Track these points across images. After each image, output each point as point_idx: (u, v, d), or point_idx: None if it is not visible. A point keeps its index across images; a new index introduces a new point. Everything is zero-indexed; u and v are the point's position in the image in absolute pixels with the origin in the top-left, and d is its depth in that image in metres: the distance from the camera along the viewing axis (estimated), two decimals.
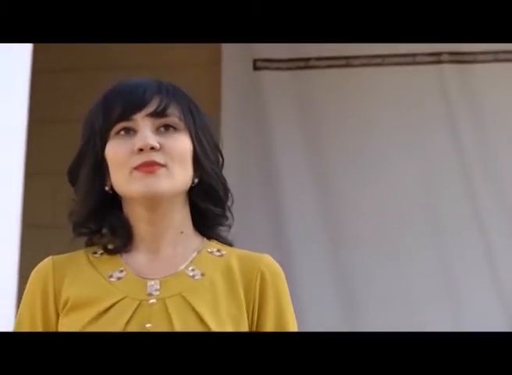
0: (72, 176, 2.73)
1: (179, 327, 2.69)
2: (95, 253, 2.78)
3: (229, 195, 2.78)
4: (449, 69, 5.99)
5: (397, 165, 5.99)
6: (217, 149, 2.78)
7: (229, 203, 2.77)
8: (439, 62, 5.97)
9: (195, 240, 2.76)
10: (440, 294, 5.96)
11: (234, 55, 6.24)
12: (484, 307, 5.85)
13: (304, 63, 6.15)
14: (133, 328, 2.67)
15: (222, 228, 2.79)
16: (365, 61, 6.07)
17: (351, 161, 6.05)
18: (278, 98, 6.24)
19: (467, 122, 5.91)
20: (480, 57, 5.91)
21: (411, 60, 5.96)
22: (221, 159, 2.77)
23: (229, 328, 2.72)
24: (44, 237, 5.94)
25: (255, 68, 6.19)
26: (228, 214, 2.78)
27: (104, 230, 2.76)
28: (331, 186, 6.24)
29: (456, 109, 5.95)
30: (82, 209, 2.71)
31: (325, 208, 6.26)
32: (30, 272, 4.31)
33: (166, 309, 2.69)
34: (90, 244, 2.79)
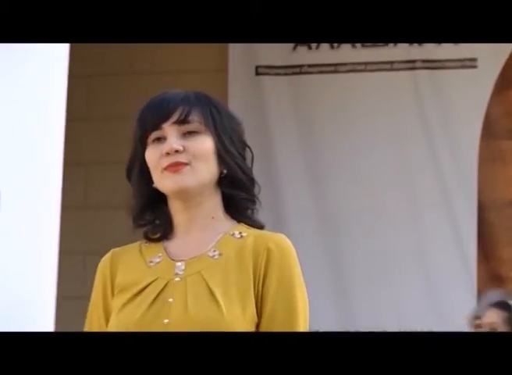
0: (128, 176, 2.88)
1: (191, 300, 2.79)
2: (146, 243, 2.88)
3: (255, 183, 2.85)
4: (421, 74, 6.19)
5: (378, 156, 6.20)
6: (242, 144, 2.86)
7: (255, 190, 2.85)
8: (414, 68, 6.18)
9: (226, 223, 2.85)
10: (414, 263, 6.13)
11: (239, 62, 6.39)
12: (451, 273, 6.05)
13: (299, 69, 6.32)
14: (157, 304, 2.78)
15: (250, 212, 2.86)
16: (350, 67, 6.27)
17: (339, 152, 6.22)
18: (276, 99, 6.36)
19: (436, 119, 6.15)
20: (448, 64, 6.13)
21: (389, 67, 6.18)
22: (249, 153, 2.87)
23: (234, 298, 2.79)
24: (78, 217, 6.08)
25: (257, 73, 6.35)
26: (254, 199, 2.86)
27: (156, 221, 2.89)
28: (322, 174, 6.33)
29: (428, 108, 6.18)
30: (136, 204, 2.85)
31: (317, 195, 6.32)
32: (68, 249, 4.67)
33: (185, 287, 2.80)
34: (146, 234, 2.90)
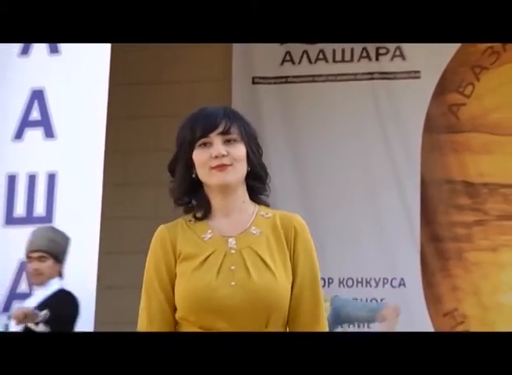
0: (171, 168, 2.83)
1: (251, 268, 2.76)
2: (190, 221, 2.82)
3: (268, 176, 2.87)
4: (378, 83, 6.13)
5: (346, 145, 6.11)
6: (259, 147, 2.86)
7: (267, 181, 2.87)
8: (372, 78, 6.13)
9: (251, 206, 2.84)
10: (372, 226, 6.06)
11: (240, 74, 6.28)
12: (400, 233, 6.01)
13: (285, 79, 6.25)
14: (223, 271, 2.75)
15: (264, 197, 2.86)
16: (324, 78, 6.20)
17: (316, 140, 6.14)
18: (268, 102, 6.25)
19: (389, 117, 6.08)
20: (398, 75, 6.09)
21: (354, 77, 6.13)
22: (261, 152, 2.86)
23: (280, 267, 2.79)
24: (120, 194, 6.02)
25: (253, 82, 6.26)
26: (267, 187, 2.88)
27: (193, 202, 2.83)
28: (303, 158, 6.21)
29: (383, 109, 6.11)
30: (178, 189, 2.80)
31: (298, 174, 6.19)
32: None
33: (242, 257, 2.76)
34: (185, 212, 2.85)
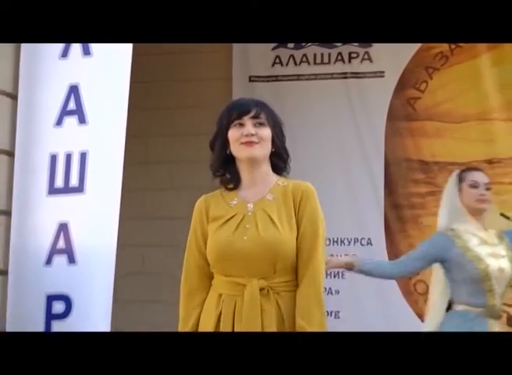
0: (212, 145, 2.89)
1: (260, 225, 2.76)
2: (224, 190, 2.89)
3: (288, 156, 2.88)
4: (351, 81, 6.09)
5: (325, 131, 6.08)
6: (282, 132, 2.89)
7: (288, 160, 2.89)
8: (346, 77, 6.08)
9: (273, 177, 2.86)
10: (345, 195, 6.02)
11: (238, 73, 6.23)
12: (368, 202, 5.97)
13: (275, 78, 6.22)
14: (239, 229, 2.77)
15: (285, 172, 2.89)
16: (307, 77, 6.15)
17: (302, 127, 6.03)
18: (262, 97, 5.67)
19: (359, 108, 6.03)
20: (367, 74, 6.04)
21: (330, 76, 6.10)
22: (285, 137, 2.90)
23: (285, 223, 2.78)
24: (139, 170, 5.98)
25: (250, 81, 6.23)
26: (288, 166, 2.89)
27: (227, 175, 2.89)
28: (291, 139, 6.45)
29: (354, 102, 6.05)
30: (216, 163, 2.87)
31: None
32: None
33: (255, 217, 2.79)
34: (221, 183, 2.91)
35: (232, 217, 2.80)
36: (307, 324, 2.67)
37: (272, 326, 2.65)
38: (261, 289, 2.69)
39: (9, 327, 4.22)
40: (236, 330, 2.67)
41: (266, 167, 2.85)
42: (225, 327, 2.69)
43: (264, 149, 2.81)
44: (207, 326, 2.75)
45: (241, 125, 2.80)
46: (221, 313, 2.72)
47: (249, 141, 2.79)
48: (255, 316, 2.66)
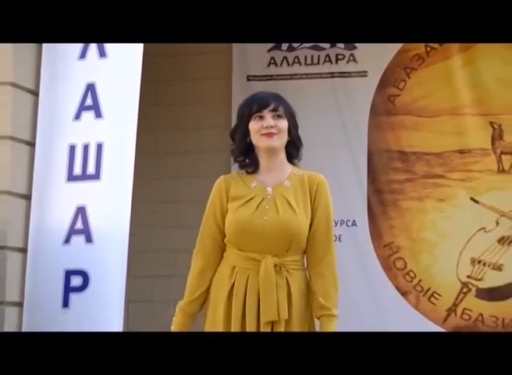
0: (233, 135, 2.87)
1: (280, 208, 2.75)
2: (242, 173, 2.88)
3: (302, 144, 2.90)
4: (337, 80, 6.02)
5: (314, 125, 5.88)
6: (296, 123, 2.90)
7: (301, 149, 2.90)
8: (333, 77, 6.01)
9: (288, 166, 2.86)
10: (332, 181, 5.90)
11: (237, 73, 6.16)
12: (352, 186, 5.91)
13: (271, 77, 6.14)
14: (260, 209, 2.76)
15: (298, 160, 2.91)
16: (299, 76, 6.07)
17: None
18: None
19: (345, 104, 5.96)
20: (352, 74, 5.98)
21: (320, 76, 6.03)
22: (298, 127, 2.90)
23: (302, 209, 2.77)
24: (148, 160, 5.91)
25: (248, 80, 6.14)
26: (300, 154, 2.91)
27: (246, 161, 2.89)
28: None
29: (340, 99, 5.98)
30: (237, 151, 2.86)
31: None
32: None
33: (275, 201, 2.79)
34: (241, 167, 2.91)
35: (252, 198, 2.79)
36: (326, 302, 2.70)
37: (284, 300, 2.65)
38: (275, 265, 2.68)
39: (28, 301, 4.18)
40: (247, 301, 2.66)
41: (282, 155, 2.84)
42: (237, 298, 2.68)
43: (282, 139, 2.81)
44: (220, 294, 2.73)
45: (261, 117, 2.79)
46: (233, 285, 2.70)
47: (269, 133, 2.77)
48: (271, 290, 2.63)
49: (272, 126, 2.78)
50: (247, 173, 2.88)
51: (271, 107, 2.80)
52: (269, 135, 2.78)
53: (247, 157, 2.88)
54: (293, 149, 2.87)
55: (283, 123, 2.82)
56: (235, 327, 2.63)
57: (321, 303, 2.70)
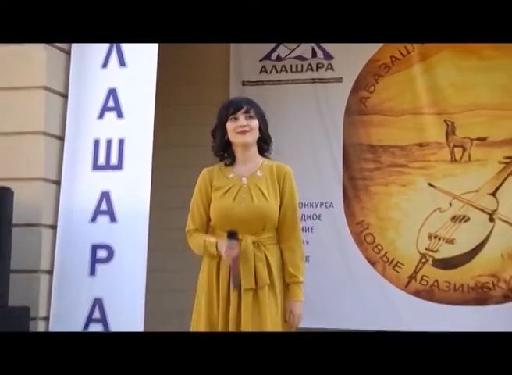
0: (213, 133, 2.83)
1: (254, 197, 2.71)
2: (222, 166, 2.84)
3: (271, 140, 2.84)
4: (318, 85, 5.99)
5: (297, 125, 5.97)
6: (266, 122, 2.85)
7: (271, 144, 2.84)
8: (314, 82, 5.99)
9: (260, 158, 2.83)
10: (312, 173, 5.89)
11: (234, 79, 6.15)
12: (329, 174, 5.89)
13: (262, 83, 6.14)
14: (237, 198, 2.70)
15: (268, 153, 2.86)
16: (285, 82, 6.06)
17: (281, 120, 5.89)
18: (251, 97, 5.77)
19: (325, 105, 5.92)
20: (330, 80, 5.96)
21: (303, 82, 6.00)
22: (268, 126, 2.85)
23: (272, 196, 2.72)
24: (163, 153, 6.06)
25: (243, 84, 6.14)
26: (270, 148, 2.85)
27: (225, 155, 2.85)
28: (273, 130, 5.75)
29: (321, 101, 5.96)
30: (217, 147, 2.81)
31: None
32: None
33: (250, 190, 2.75)
34: (220, 160, 2.86)
35: (231, 188, 2.76)
36: (295, 272, 2.70)
37: (264, 270, 2.65)
38: (253, 242, 2.68)
39: (57, 269, 4.18)
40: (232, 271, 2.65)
41: (254, 149, 2.82)
42: (223, 269, 2.67)
43: (253, 136, 2.79)
44: (210, 268, 2.71)
45: (236, 119, 2.77)
46: (220, 259, 2.69)
47: (242, 131, 2.76)
48: (250, 260, 2.63)
49: (244, 125, 2.75)
50: (226, 165, 2.85)
51: (243, 109, 2.78)
52: (243, 133, 2.75)
53: (226, 152, 2.85)
54: (264, 144, 2.82)
55: (254, 123, 2.78)
56: (222, 292, 2.61)
57: (291, 272, 2.70)
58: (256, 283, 2.59)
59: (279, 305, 2.62)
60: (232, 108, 2.79)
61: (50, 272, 4.22)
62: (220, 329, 2.53)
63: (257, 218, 2.70)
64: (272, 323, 2.53)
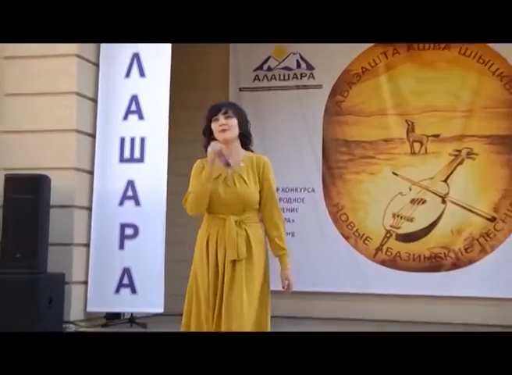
0: (204, 133, 2.70)
1: (237, 184, 2.60)
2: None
3: (251, 135, 2.70)
4: (301, 92, 5.97)
5: (285, 123, 5.93)
6: (246, 120, 2.69)
7: (251, 138, 2.70)
8: (298, 89, 5.97)
9: (242, 151, 2.68)
10: (297, 165, 5.84)
11: (233, 85, 6.09)
12: (309, 164, 5.85)
13: (255, 89, 6.10)
14: (224, 185, 2.58)
15: (250, 147, 2.70)
16: (274, 88, 6.03)
17: (270, 122, 5.88)
18: (247, 101, 5.94)
19: (310, 109, 5.87)
20: (308, 87, 5.90)
21: (289, 88, 5.94)
22: (249, 124, 2.69)
23: (252, 183, 2.60)
24: (177, 147, 6.12)
25: (239, 90, 6.10)
26: (251, 141, 2.70)
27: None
28: (263, 132, 5.88)
29: (304, 104, 5.94)
30: (205, 143, 2.68)
31: (261, 137, 5.70)
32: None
33: (233, 178, 2.62)
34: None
35: (218, 176, 2.66)
36: (282, 244, 2.65)
37: (243, 245, 2.58)
38: (235, 222, 2.62)
39: (92, 243, 4.24)
40: (218, 246, 2.58)
41: (237, 143, 2.70)
42: (211, 244, 2.60)
43: (232, 133, 2.66)
44: (201, 243, 2.64)
45: (217, 119, 2.66)
46: (209, 236, 2.63)
47: (223, 129, 2.66)
48: (233, 237, 2.58)
49: (224, 124, 2.64)
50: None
51: (222, 111, 2.66)
52: (223, 131, 2.65)
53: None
54: (245, 138, 2.70)
55: (233, 121, 2.65)
56: (211, 263, 2.56)
57: (279, 245, 2.65)
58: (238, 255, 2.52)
59: (257, 271, 2.54)
60: (214, 111, 2.68)
61: (86, 245, 4.30)
62: (210, 286, 2.51)
63: (239, 201, 2.62)
64: (247, 283, 2.49)
